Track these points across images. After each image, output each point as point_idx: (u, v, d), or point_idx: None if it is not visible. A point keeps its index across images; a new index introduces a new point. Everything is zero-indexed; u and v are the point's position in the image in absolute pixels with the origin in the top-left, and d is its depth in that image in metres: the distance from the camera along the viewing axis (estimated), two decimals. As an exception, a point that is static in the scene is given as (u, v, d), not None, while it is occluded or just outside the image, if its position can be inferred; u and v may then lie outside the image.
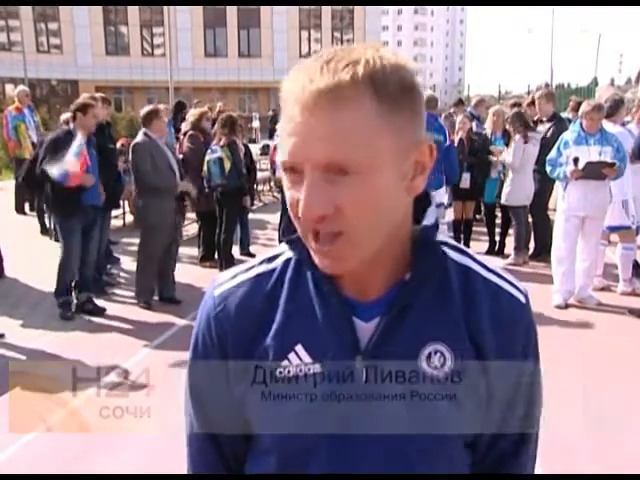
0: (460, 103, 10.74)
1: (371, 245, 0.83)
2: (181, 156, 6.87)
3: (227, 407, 0.95)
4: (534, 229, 7.29)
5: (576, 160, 5.45)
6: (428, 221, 0.91)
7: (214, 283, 0.99)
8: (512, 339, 0.91)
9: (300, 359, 0.89)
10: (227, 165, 6.70)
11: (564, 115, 8.32)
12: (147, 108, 5.90)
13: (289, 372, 0.89)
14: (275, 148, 7.19)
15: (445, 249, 0.93)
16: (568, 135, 5.72)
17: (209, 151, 6.85)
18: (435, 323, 0.89)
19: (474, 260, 0.95)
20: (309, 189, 0.78)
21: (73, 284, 5.54)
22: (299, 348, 0.90)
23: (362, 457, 0.88)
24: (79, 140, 5.22)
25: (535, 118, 7.68)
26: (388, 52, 0.82)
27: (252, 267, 0.98)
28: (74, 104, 5.51)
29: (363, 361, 0.87)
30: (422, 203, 0.92)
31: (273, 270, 0.96)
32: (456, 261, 0.94)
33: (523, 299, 0.94)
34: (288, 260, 0.96)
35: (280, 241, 7.14)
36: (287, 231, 0.94)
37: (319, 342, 0.89)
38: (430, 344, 0.88)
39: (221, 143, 6.83)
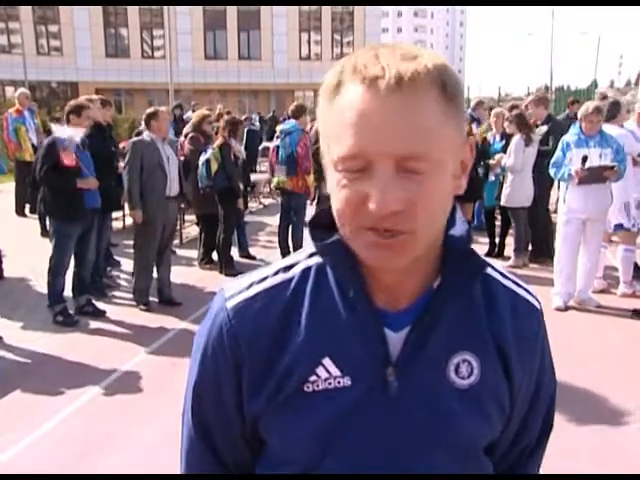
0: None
1: (425, 244, 0.80)
2: (182, 158, 6.89)
3: (232, 426, 0.92)
4: (533, 231, 7.29)
5: (585, 158, 5.46)
6: (460, 228, 0.88)
7: (225, 293, 0.92)
8: (531, 347, 0.92)
9: (329, 372, 0.85)
10: (214, 166, 6.72)
11: (560, 116, 8.34)
12: (148, 110, 5.94)
13: (318, 386, 0.85)
14: (275, 150, 7.17)
15: (479, 257, 0.91)
16: (569, 137, 5.74)
17: (203, 153, 6.89)
18: (462, 332, 0.88)
19: (490, 267, 0.94)
20: (385, 182, 0.73)
21: (71, 287, 5.53)
22: (326, 361, 0.85)
23: (390, 469, 0.86)
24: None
25: (532, 121, 7.70)
26: (435, 52, 0.82)
27: (267, 277, 0.91)
28: (68, 106, 5.51)
29: (395, 373, 0.84)
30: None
31: (290, 280, 0.90)
32: None
33: (538, 305, 0.95)
34: (308, 269, 0.90)
35: (281, 246, 7.14)
36: (318, 236, 0.84)
37: (348, 354, 0.85)
38: (458, 353, 0.87)
39: (214, 145, 6.87)
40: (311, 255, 0.92)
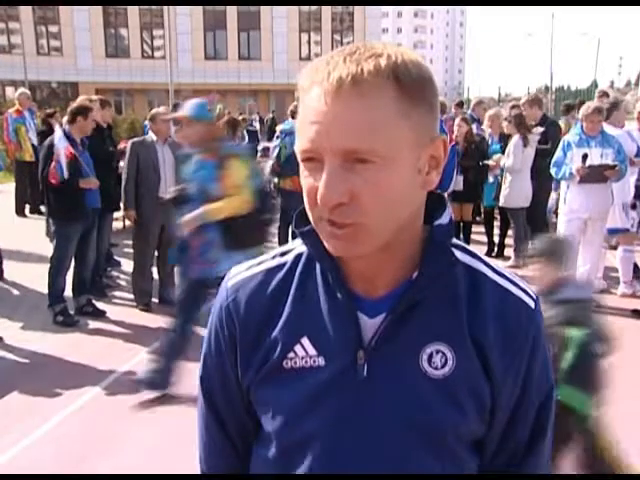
0: (460, 105, 10.75)
1: (383, 235, 0.83)
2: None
3: (235, 397, 0.99)
4: (532, 231, 7.29)
5: (585, 156, 5.46)
6: (443, 222, 0.91)
7: (229, 274, 1.02)
8: (517, 344, 0.91)
9: (305, 351, 0.91)
10: None
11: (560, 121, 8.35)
12: (150, 112, 5.97)
13: (295, 363, 0.91)
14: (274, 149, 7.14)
15: (454, 250, 0.93)
16: (570, 137, 5.75)
17: None
18: (439, 323, 0.89)
19: (481, 261, 0.95)
20: (329, 176, 0.78)
21: (71, 287, 5.53)
22: (305, 340, 0.91)
23: (358, 451, 0.89)
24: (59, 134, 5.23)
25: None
26: (408, 49, 0.84)
27: (265, 261, 1.00)
28: (73, 107, 5.50)
29: (365, 356, 0.88)
30: (436, 204, 0.93)
31: (284, 264, 0.97)
32: (465, 263, 0.94)
33: (532, 303, 0.94)
34: (299, 255, 0.97)
35: (280, 242, 7.14)
36: (299, 224, 0.95)
37: (324, 335, 0.91)
38: (432, 344, 0.89)
39: None
40: None
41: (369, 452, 0.89)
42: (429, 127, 0.83)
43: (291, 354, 0.91)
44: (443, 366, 0.88)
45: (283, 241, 7.20)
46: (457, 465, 0.92)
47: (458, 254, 0.93)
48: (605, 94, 7.76)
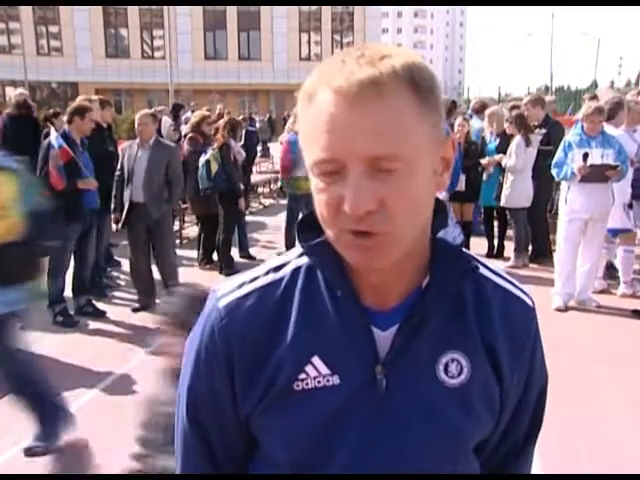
0: (453, 106, 10.61)
1: (407, 243, 0.81)
2: (182, 159, 6.87)
3: (227, 424, 0.92)
4: (532, 232, 7.29)
5: (586, 155, 5.46)
6: (450, 227, 0.89)
7: (216, 293, 0.93)
8: (521, 344, 0.92)
9: (318, 371, 0.86)
10: (214, 167, 6.71)
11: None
12: None
13: (307, 385, 0.86)
14: (287, 149, 7.02)
15: (468, 257, 0.91)
16: (570, 137, 5.74)
17: (202, 154, 6.88)
18: (452, 331, 0.88)
19: (481, 264, 0.95)
20: (357, 184, 0.75)
21: (71, 287, 5.53)
22: (315, 359, 0.86)
23: (382, 467, 0.87)
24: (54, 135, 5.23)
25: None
26: (409, 49, 0.83)
27: (258, 277, 0.93)
28: (71, 107, 5.50)
29: (383, 370, 0.85)
30: (438, 209, 0.90)
31: (281, 279, 0.91)
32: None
33: (530, 303, 0.95)
34: (297, 269, 0.91)
35: (287, 247, 7.11)
36: (305, 236, 0.82)
37: (336, 352, 0.86)
38: (448, 353, 0.88)
39: (214, 145, 6.86)
40: (301, 254, 0.92)
41: (393, 466, 0.87)
42: (440, 127, 0.82)
43: (302, 375, 0.86)
44: (459, 374, 0.87)
45: (291, 245, 7.18)
46: (468, 467, 0.93)
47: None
48: (594, 97, 7.74)
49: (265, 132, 18.23)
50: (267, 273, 0.93)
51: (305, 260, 0.91)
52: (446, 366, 0.87)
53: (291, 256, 0.94)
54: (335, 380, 0.86)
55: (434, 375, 0.87)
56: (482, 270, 0.94)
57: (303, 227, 0.89)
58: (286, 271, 0.92)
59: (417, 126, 0.77)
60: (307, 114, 0.79)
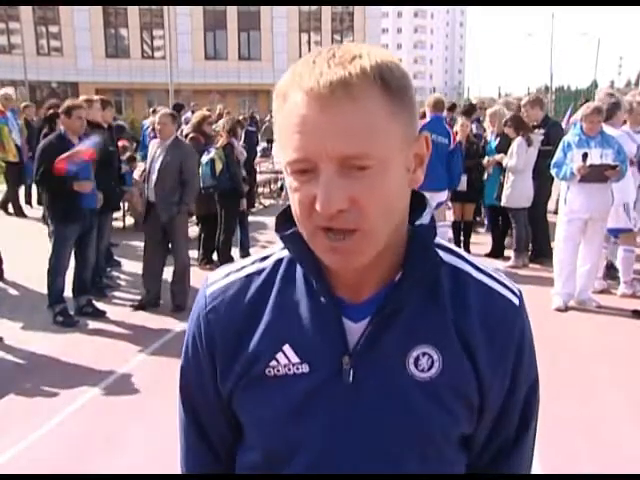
0: (453, 107, 10.60)
1: (382, 240, 0.82)
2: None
3: (214, 406, 0.97)
4: (533, 232, 7.29)
5: (585, 155, 5.46)
6: (424, 221, 0.89)
7: (206, 282, 0.99)
8: (504, 341, 0.91)
9: (288, 359, 0.89)
10: (218, 166, 6.71)
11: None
12: None
13: (278, 372, 0.89)
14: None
15: (438, 251, 0.92)
16: (569, 138, 5.75)
17: (205, 153, 6.88)
18: (424, 325, 0.89)
19: (465, 261, 0.95)
20: (328, 183, 0.76)
21: (72, 287, 5.53)
22: (287, 348, 0.89)
23: (347, 456, 0.88)
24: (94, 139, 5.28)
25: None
26: (380, 47, 0.83)
27: (244, 267, 0.98)
28: (61, 107, 5.50)
29: (350, 361, 0.87)
30: (418, 204, 0.92)
31: (263, 270, 0.95)
32: (449, 263, 0.93)
33: (516, 301, 0.93)
34: (280, 260, 0.95)
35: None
36: (280, 228, 0.84)
37: (307, 342, 0.89)
38: (418, 346, 0.88)
39: (217, 145, 6.86)
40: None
41: (358, 457, 0.88)
42: (413, 125, 0.83)
43: (273, 362, 0.89)
44: (430, 368, 0.88)
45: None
46: (445, 465, 0.92)
47: (442, 254, 0.92)
48: (587, 100, 7.76)
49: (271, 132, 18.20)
50: (253, 263, 0.97)
51: (287, 252, 0.94)
52: (417, 359, 0.88)
53: (276, 248, 0.97)
54: (304, 369, 0.88)
55: (404, 368, 0.87)
56: (467, 268, 0.93)
57: (280, 219, 0.92)
58: (270, 262, 0.96)
59: (389, 126, 0.78)
60: (280, 114, 0.81)
